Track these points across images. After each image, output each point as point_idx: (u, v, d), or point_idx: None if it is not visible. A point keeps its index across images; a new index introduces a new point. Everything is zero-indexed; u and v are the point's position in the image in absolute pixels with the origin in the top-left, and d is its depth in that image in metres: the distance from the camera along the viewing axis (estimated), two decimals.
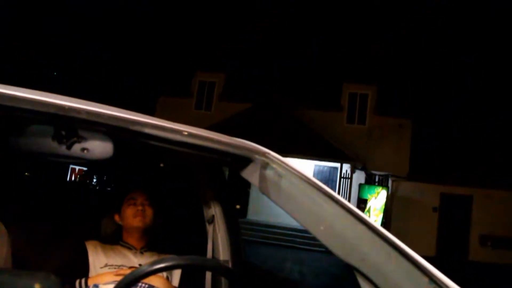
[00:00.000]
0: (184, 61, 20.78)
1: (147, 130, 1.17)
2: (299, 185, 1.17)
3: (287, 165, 1.22)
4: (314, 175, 17.63)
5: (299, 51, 19.60)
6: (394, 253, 0.99)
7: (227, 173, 2.03)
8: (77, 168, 15.49)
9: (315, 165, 17.82)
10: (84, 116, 1.10)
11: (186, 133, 1.21)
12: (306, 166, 17.33)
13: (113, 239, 2.13)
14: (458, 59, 18.59)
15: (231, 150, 1.28)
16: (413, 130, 17.80)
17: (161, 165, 2.19)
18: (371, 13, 19.50)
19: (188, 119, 18.02)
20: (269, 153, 1.28)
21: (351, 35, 19.43)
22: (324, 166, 17.89)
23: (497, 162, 16.87)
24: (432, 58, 18.70)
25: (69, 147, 1.20)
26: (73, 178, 15.77)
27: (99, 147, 1.22)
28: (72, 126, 1.18)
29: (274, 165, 1.23)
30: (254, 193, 16.76)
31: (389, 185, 17.57)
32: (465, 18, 18.98)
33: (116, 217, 2.15)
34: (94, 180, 13.92)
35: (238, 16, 20.70)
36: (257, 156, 1.27)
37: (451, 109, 18.19)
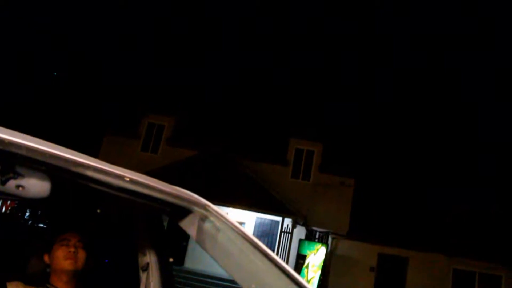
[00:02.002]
0: (135, 100, 20.63)
1: (89, 173, 1.15)
2: (235, 241, 1.17)
3: (226, 219, 1.23)
4: (255, 227, 17.62)
5: (249, 104, 19.97)
6: None
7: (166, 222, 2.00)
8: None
9: (257, 217, 17.78)
10: (23, 152, 1.06)
11: (128, 179, 1.20)
12: (248, 218, 17.26)
13: (38, 281, 2.00)
14: (397, 128, 19.53)
15: (171, 200, 1.27)
16: (355, 190, 18.21)
17: (98, 211, 2.11)
18: (320, 77, 20.31)
19: (133, 160, 17.76)
20: (209, 206, 1.28)
21: (299, 91, 20.05)
22: (266, 219, 17.87)
23: (432, 226, 17.44)
24: (374, 123, 19.53)
25: (3, 183, 1.15)
26: (3, 210, 14.93)
27: (35, 186, 1.18)
28: (10, 161, 1.14)
29: (212, 219, 1.24)
30: (192, 241, 16.43)
31: (329, 242, 17.70)
32: (402, 86, 20.06)
33: (45, 257, 2.04)
34: (27, 214, 13.24)
35: (192, 65, 20.99)
36: (196, 208, 1.27)
37: (392, 173, 18.84)
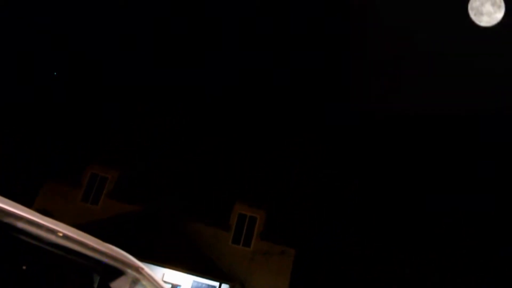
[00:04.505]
0: (79, 149, 20.10)
1: (20, 225, 1.10)
2: None
3: (158, 284, 1.20)
4: None
5: (195, 165, 19.87)
6: None
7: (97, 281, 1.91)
8: None
9: (194, 281, 17.26)
10: None
11: (61, 234, 1.16)
12: (185, 280, 16.75)
13: None
14: (336, 203, 19.97)
15: (105, 259, 1.24)
16: (295, 260, 18.16)
17: (24, 267, 1.99)
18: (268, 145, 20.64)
19: (72, 210, 17.10)
20: (142, 269, 1.25)
21: (247, 159, 20.22)
22: (203, 283, 17.37)
23: None
24: (316, 198, 19.88)
25: None
26: None
27: None
28: None
29: (145, 283, 1.21)
30: None
31: None
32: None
33: None
34: None
35: (139, 121, 20.85)
36: (129, 270, 1.24)
37: (333, 244, 18.99)
